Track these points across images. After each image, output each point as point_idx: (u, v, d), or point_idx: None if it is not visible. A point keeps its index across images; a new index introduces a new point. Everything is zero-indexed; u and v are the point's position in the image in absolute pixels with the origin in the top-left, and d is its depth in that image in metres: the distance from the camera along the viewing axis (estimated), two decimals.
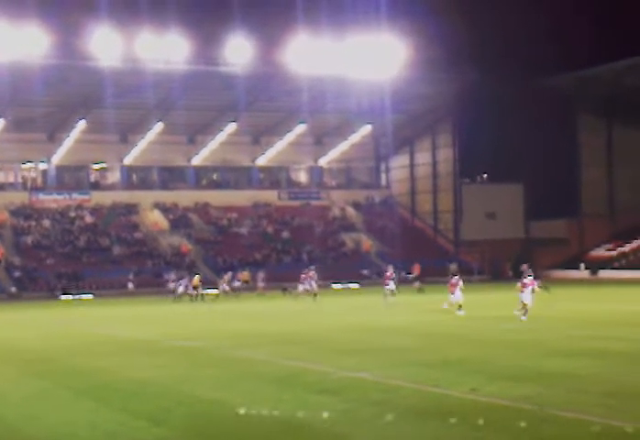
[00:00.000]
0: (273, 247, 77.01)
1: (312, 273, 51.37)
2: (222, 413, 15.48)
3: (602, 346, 23.60)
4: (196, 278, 54.99)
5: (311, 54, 70.38)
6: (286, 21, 69.49)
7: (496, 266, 78.12)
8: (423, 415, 14.72)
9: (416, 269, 61.13)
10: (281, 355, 23.62)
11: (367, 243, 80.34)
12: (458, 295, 36.43)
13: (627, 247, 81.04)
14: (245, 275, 61.71)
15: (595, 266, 77.60)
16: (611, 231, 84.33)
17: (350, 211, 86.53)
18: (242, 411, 15.35)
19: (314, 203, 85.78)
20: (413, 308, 41.96)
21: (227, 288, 56.35)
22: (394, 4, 69.37)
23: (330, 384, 18.23)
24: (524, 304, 33.17)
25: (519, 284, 33.96)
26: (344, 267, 72.52)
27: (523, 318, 32.63)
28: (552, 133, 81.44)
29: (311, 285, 49.89)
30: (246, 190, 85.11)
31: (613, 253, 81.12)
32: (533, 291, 33.74)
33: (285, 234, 79.65)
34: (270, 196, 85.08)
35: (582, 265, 76.82)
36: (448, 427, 13.81)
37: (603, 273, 76.07)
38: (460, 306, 36.16)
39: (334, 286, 56.17)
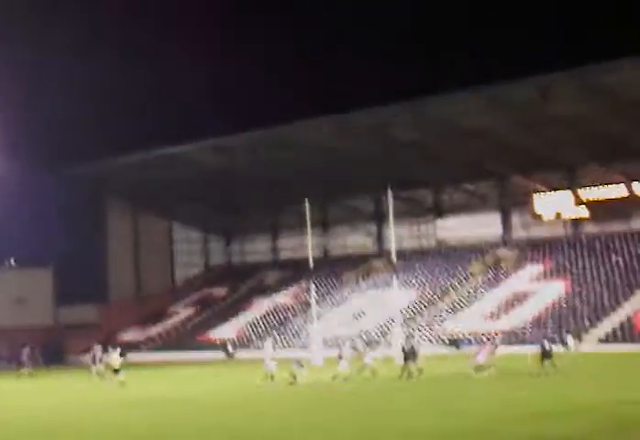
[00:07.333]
0: None
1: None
2: None
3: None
4: None
5: None
6: None
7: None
8: None
9: None
10: None
11: None
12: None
13: (153, 331, 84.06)
14: None
15: (125, 349, 79.08)
16: (138, 315, 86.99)
17: None
18: None
19: None
20: None
21: None
22: None
23: None
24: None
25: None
26: None
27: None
28: (82, 219, 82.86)
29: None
30: None
31: (141, 336, 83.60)
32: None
33: None
34: None
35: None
36: None
37: (133, 356, 77.85)
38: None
39: None
